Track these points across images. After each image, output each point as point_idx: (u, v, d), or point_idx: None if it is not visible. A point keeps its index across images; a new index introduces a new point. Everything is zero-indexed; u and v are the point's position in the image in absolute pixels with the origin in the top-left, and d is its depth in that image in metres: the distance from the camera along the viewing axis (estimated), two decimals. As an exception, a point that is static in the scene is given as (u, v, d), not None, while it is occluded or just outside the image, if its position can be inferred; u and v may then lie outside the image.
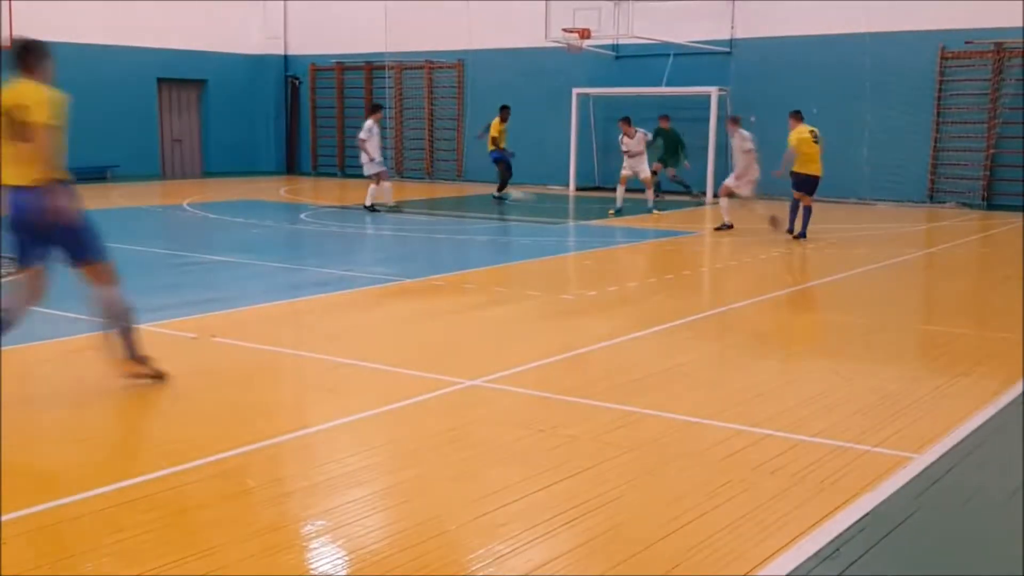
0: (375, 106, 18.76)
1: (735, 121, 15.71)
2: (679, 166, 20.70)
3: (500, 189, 20.18)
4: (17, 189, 5.70)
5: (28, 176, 5.64)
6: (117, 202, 19.31)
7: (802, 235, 14.26)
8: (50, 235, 5.78)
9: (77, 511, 4.24)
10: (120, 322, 6.05)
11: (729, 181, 15.32)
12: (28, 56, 5.86)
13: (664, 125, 20.55)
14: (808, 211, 14.38)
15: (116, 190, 21.70)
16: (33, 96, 5.68)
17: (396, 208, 17.99)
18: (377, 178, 17.74)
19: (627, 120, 17.87)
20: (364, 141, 17.74)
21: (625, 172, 17.88)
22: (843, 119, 20.78)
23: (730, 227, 15.19)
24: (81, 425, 5.52)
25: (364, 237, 15.19)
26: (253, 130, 28.50)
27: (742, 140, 15.17)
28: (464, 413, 5.82)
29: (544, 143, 23.42)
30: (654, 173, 18.86)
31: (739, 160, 15.26)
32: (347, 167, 28.24)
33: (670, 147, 20.59)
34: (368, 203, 17.74)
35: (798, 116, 14.68)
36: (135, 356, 6.12)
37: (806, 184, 14.38)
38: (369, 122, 17.89)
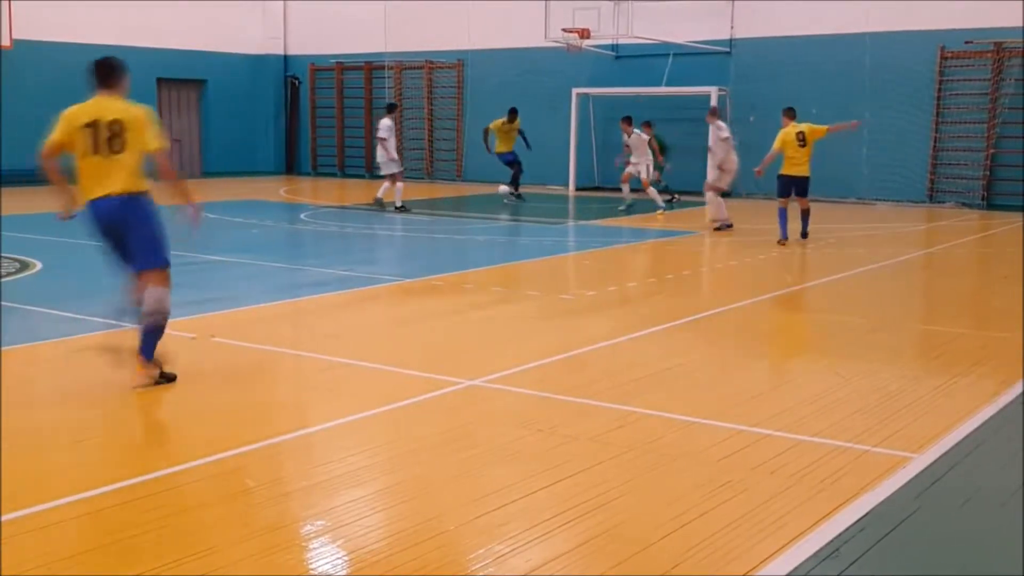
0: (391, 105, 18.76)
1: (714, 113, 16.30)
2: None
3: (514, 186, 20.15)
4: (108, 198, 5.94)
5: (121, 186, 5.96)
6: (117, 202, 19.30)
7: (803, 235, 13.87)
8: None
9: (76, 511, 4.24)
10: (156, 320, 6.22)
11: (711, 176, 15.57)
12: (112, 73, 6.08)
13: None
14: (806, 213, 13.99)
15: (116, 190, 21.68)
16: (133, 116, 5.99)
17: (405, 208, 17.84)
18: (393, 178, 17.72)
19: (627, 119, 17.88)
20: (385, 140, 17.71)
21: (628, 170, 17.97)
22: (843, 119, 20.66)
23: (730, 226, 15.21)
24: (81, 425, 5.52)
25: (364, 237, 15.19)
26: (253, 130, 28.48)
27: (718, 130, 15.60)
28: (463, 413, 5.82)
29: (544, 143, 23.39)
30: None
31: (717, 151, 15.61)
32: (347, 167, 28.26)
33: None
34: (398, 203, 17.68)
35: (790, 114, 14.10)
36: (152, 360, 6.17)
37: (791, 186, 13.79)
38: (388, 120, 17.83)
